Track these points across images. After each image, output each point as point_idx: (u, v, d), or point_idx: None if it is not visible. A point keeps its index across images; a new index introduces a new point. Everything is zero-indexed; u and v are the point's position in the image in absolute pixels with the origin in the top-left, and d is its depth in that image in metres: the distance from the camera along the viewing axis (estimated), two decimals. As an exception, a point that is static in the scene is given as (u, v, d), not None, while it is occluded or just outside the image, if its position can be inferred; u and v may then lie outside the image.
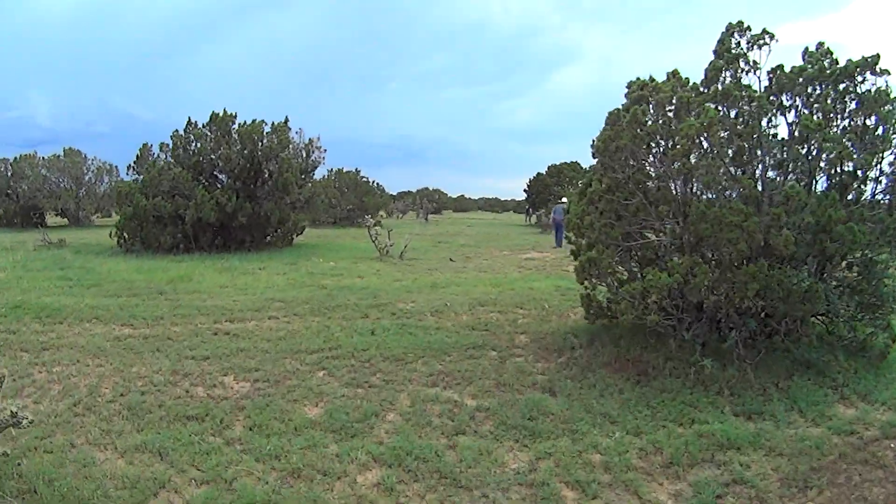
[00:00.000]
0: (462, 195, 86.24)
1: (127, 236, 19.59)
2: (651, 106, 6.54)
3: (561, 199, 27.95)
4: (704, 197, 6.52)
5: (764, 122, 6.49)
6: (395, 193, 59.99)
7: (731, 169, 6.34)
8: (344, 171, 36.92)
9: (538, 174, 40.35)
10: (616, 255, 6.55)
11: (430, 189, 71.23)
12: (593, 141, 7.74)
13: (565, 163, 39.83)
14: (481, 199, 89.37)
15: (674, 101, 6.46)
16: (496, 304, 10.76)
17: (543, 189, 39.13)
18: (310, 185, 22.79)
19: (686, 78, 7.03)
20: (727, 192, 6.36)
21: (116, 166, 35.75)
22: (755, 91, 6.35)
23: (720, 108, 6.38)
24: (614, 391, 6.17)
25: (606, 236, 6.51)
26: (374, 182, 39.17)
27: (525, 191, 41.47)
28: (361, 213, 34.46)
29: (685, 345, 6.94)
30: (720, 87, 6.45)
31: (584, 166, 39.76)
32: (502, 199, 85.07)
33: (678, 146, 5.92)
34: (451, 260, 18.26)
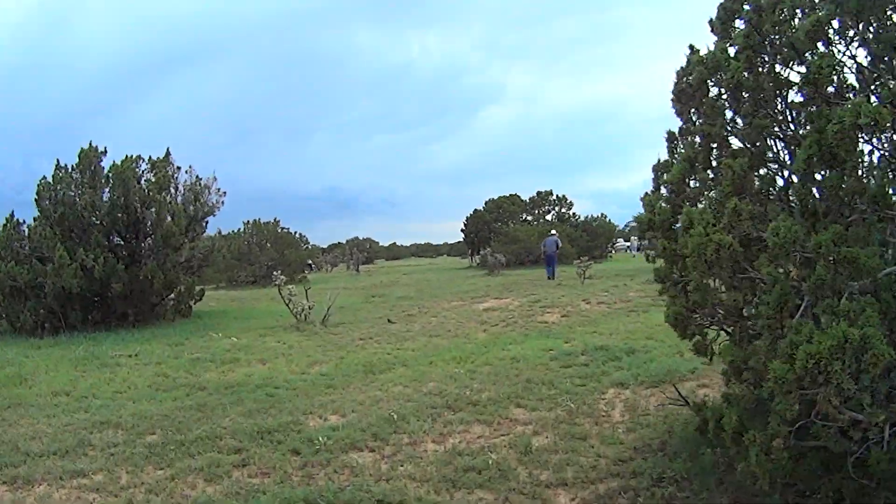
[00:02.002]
0: (394, 243, 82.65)
1: (-10, 315, 14.30)
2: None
3: (550, 231, 25.88)
4: None
5: None
6: (325, 246, 55.33)
7: None
8: (261, 221, 31.79)
9: (475, 210, 36.35)
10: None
11: (361, 238, 66.96)
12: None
13: (504, 196, 36.06)
14: (413, 245, 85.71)
15: None
16: (476, 404, 6.37)
17: (483, 226, 35.08)
18: (204, 236, 17.77)
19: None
20: None
21: (15, 231, 29.30)
22: None
23: None
24: None
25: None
26: (297, 233, 34.22)
27: (462, 230, 37.38)
28: (284, 268, 29.57)
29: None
30: None
31: (523, 199, 36.27)
32: (435, 243, 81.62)
33: None
34: (389, 321, 13.73)
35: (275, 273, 15.91)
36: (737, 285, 2.99)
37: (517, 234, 30.70)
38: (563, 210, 36.24)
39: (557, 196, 36.30)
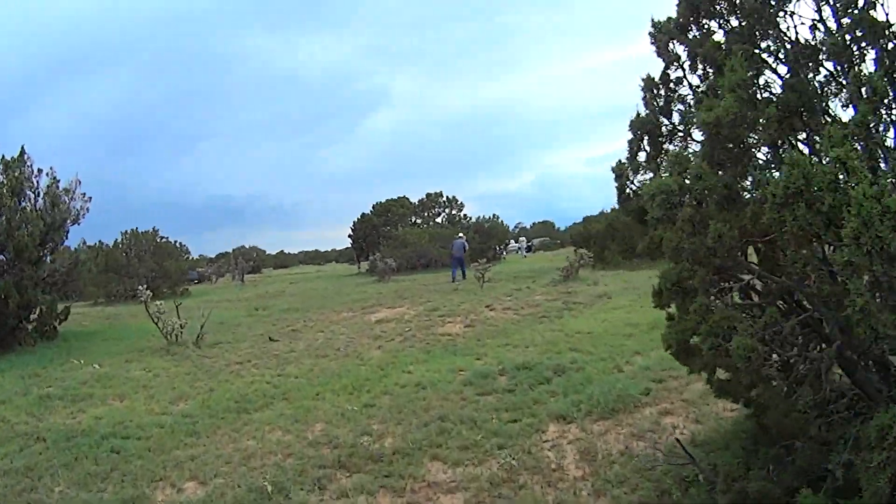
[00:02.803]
0: (282, 251, 78.10)
1: None
2: None
3: (458, 234, 24.60)
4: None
5: None
6: (213, 256, 51.30)
7: None
8: (139, 231, 28.05)
9: (363, 215, 34.23)
10: None
11: (248, 247, 63.09)
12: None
13: (392, 199, 34.27)
14: (302, 252, 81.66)
15: None
16: (379, 459, 4.79)
17: (371, 230, 33.13)
18: (68, 248, 14.97)
19: None
20: None
21: None
22: None
23: None
24: None
25: None
26: (177, 242, 30.42)
27: (350, 236, 35.16)
28: (164, 281, 26.42)
29: None
30: None
31: (412, 201, 34.78)
32: (323, 250, 78.43)
33: None
34: (270, 339, 11.78)
35: (140, 287, 13.47)
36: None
37: (407, 238, 29.04)
38: (454, 212, 35.01)
39: (448, 197, 34.97)
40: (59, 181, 13.98)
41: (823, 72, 2.48)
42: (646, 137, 3.16)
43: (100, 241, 27.61)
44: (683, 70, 3.24)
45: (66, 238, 14.82)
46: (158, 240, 28.91)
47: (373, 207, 34.34)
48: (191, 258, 36.83)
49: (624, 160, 3.24)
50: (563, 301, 12.87)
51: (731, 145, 2.24)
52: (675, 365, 7.34)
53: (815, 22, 2.75)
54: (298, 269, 63.28)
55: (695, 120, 2.56)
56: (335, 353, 9.84)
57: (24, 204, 13.17)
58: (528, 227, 59.83)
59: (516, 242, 40.99)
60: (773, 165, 2.28)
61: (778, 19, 2.80)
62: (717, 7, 2.57)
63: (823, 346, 2.33)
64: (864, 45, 2.12)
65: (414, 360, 8.56)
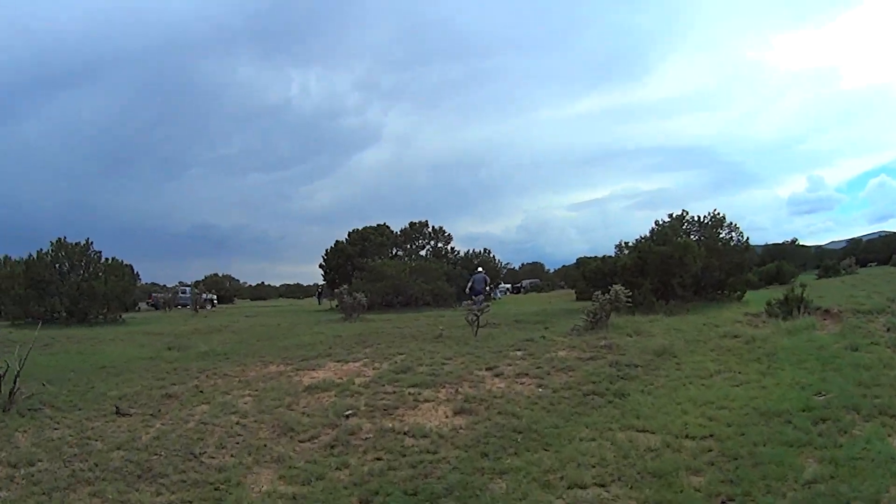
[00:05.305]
0: (262, 282, 74.80)
1: None
2: None
3: (478, 269, 21.13)
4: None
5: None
6: (190, 283, 46.69)
7: None
8: (67, 241, 22.02)
9: (337, 242, 28.80)
10: None
11: (221, 276, 57.88)
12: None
13: (370, 227, 28.98)
14: (283, 285, 78.20)
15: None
16: None
17: (345, 261, 27.76)
18: None
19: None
20: None
21: None
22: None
23: None
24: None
25: None
26: (113, 260, 23.80)
27: (321, 265, 29.78)
28: (93, 303, 20.88)
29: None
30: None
31: (394, 230, 29.60)
32: (304, 284, 74.98)
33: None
34: (118, 412, 6.65)
35: None
36: None
37: (384, 270, 23.64)
38: (440, 244, 29.78)
39: (434, 228, 29.81)
40: None
41: None
42: None
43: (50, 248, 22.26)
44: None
45: None
46: (91, 253, 22.50)
47: (348, 235, 29.01)
48: (140, 282, 32.14)
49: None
50: (608, 361, 7.64)
51: None
52: None
53: None
54: (274, 301, 57.97)
55: None
56: (183, 469, 4.57)
57: None
58: (517, 268, 55.06)
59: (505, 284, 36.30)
60: None
61: None
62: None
63: None
64: None
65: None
